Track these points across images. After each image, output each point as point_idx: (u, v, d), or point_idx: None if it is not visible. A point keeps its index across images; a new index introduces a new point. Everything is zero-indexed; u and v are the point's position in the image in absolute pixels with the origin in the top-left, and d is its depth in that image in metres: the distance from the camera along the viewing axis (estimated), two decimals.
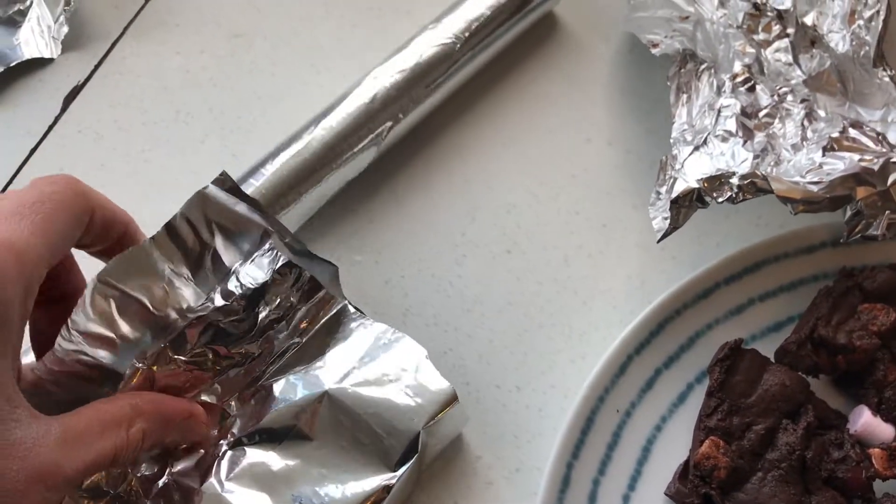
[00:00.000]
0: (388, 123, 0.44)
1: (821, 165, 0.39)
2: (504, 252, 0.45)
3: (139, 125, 0.49)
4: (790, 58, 0.44)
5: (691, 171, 0.40)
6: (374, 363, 0.38)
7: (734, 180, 0.38)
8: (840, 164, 0.39)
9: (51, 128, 0.49)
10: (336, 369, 0.38)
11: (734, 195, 0.38)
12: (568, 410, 0.38)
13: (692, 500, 0.36)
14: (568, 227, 0.46)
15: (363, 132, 0.44)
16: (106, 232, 0.33)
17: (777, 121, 0.42)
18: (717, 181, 0.38)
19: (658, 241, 0.39)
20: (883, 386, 0.39)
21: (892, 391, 0.38)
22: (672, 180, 0.40)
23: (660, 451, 0.39)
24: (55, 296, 0.33)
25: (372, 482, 0.36)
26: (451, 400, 0.37)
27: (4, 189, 0.47)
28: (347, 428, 0.36)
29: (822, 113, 0.42)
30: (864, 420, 0.38)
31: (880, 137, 0.41)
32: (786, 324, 0.41)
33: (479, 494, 0.40)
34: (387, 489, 0.36)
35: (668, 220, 0.38)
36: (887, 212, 0.39)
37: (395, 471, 0.36)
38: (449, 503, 0.40)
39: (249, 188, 0.42)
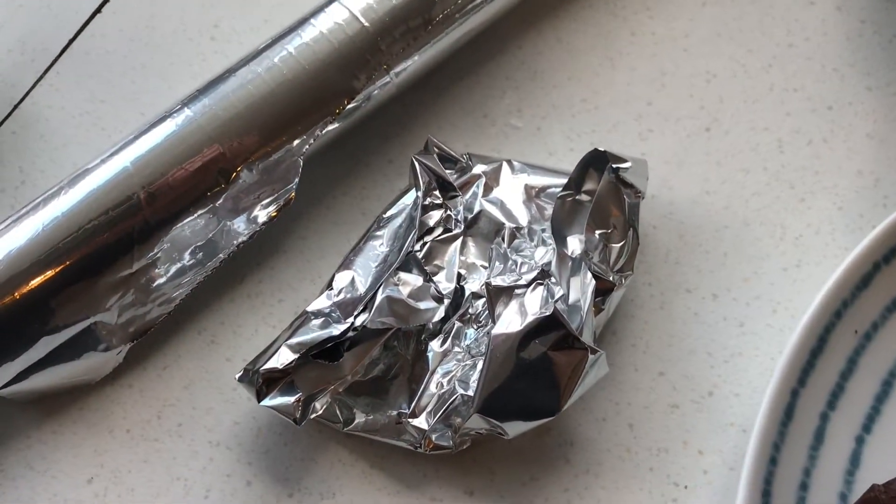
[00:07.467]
0: None
1: None
2: (702, 129, 0.37)
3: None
4: None
5: None
6: None
7: None
8: None
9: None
10: None
11: None
12: (796, 327, 0.30)
13: None
14: (783, 107, 0.37)
15: None
16: None
17: None
18: None
19: None
20: None
21: None
22: None
23: None
24: None
25: None
26: None
27: None
28: None
29: None
30: None
31: None
32: None
33: (660, 419, 0.32)
34: None
35: None
36: None
37: None
38: (621, 425, 0.32)
39: None
